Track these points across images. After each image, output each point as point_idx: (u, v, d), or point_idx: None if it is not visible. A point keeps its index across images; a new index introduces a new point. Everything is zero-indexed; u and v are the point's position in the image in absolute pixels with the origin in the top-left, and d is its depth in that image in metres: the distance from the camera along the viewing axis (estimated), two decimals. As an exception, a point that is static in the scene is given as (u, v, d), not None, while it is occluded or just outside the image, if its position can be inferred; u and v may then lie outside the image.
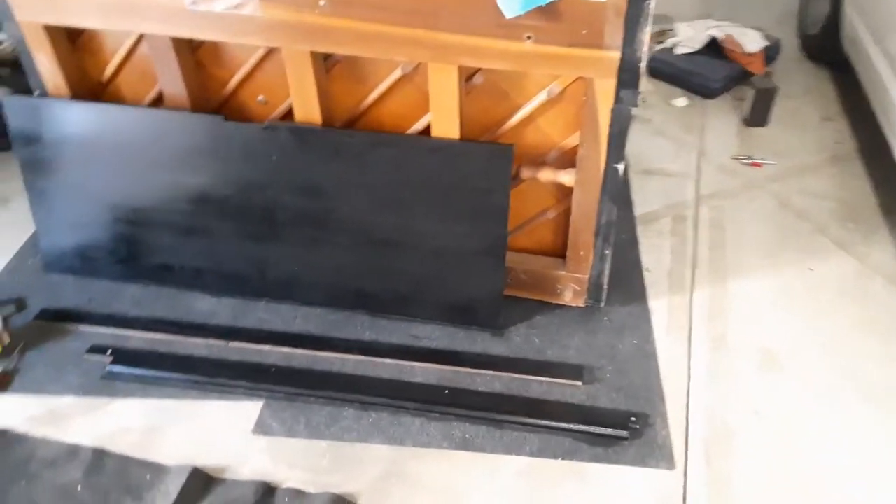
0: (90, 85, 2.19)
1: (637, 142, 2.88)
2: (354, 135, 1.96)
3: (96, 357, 2.05)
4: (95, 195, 2.20)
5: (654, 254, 2.37)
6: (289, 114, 2.04)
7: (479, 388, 1.95)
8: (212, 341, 2.10)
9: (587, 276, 2.07)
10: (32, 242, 2.47)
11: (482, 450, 1.80)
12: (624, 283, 2.23)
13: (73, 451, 1.82)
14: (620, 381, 1.95)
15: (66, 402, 1.95)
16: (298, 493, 1.72)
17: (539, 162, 1.96)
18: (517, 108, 1.89)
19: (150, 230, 2.20)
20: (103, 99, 2.20)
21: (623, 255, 2.32)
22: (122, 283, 2.29)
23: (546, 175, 1.93)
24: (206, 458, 1.80)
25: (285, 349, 2.07)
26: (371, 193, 1.99)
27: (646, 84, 3.20)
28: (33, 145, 2.17)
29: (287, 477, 1.76)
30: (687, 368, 1.99)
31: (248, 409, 1.92)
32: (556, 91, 1.81)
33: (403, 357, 2.03)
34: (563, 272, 2.09)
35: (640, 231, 2.46)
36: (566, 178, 1.92)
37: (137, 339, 2.11)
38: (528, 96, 1.87)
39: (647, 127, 3.00)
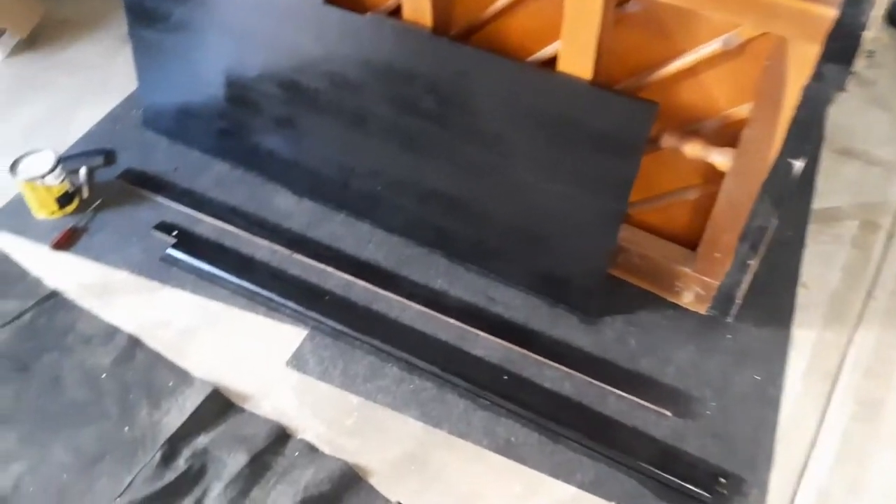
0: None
1: (843, 109, 2.23)
2: (462, 50, 1.57)
3: (161, 235, 1.93)
4: (196, 58, 2.00)
5: (821, 265, 1.84)
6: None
7: (545, 385, 1.62)
8: (277, 247, 1.90)
9: (718, 283, 1.62)
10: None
11: (524, 461, 1.50)
12: (768, 294, 1.75)
13: (110, 333, 1.73)
14: (722, 425, 1.55)
15: (120, 277, 1.85)
16: (311, 450, 1.53)
17: (690, 130, 1.49)
18: (678, 53, 1.42)
19: (246, 108, 1.99)
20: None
21: (778, 257, 1.82)
22: (211, 158, 2.14)
23: (694, 149, 1.47)
24: (232, 379, 1.65)
25: (348, 276, 1.83)
26: (472, 123, 1.63)
27: (879, 33, 2.48)
28: (137, -10, 1.98)
29: (306, 427, 1.57)
30: (815, 433, 1.54)
31: (289, 336, 1.73)
32: (734, 42, 1.32)
33: (470, 321, 1.72)
34: (688, 269, 1.66)
35: (812, 230, 1.92)
36: (719, 158, 1.44)
37: (207, 224, 1.96)
38: (695, 41, 1.38)
39: (864, 91, 2.32)
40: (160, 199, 2.03)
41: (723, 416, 1.56)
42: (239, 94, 1.97)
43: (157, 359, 1.69)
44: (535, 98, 1.52)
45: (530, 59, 1.58)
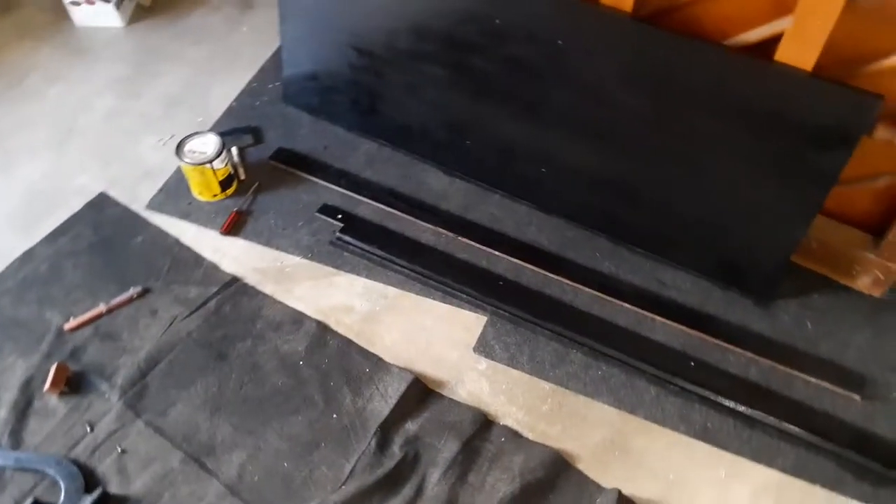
0: None
1: None
2: (666, 37, 1.42)
3: (326, 219, 1.85)
4: (341, 28, 1.86)
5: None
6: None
7: (731, 370, 1.58)
8: (441, 230, 1.82)
9: (902, 269, 1.55)
10: (274, 61, 2.22)
11: (725, 447, 1.48)
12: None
13: (297, 319, 1.68)
14: (909, 407, 1.52)
15: (294, 262, 1.79)
16: (516, 436, 1.50)
17: (903, 122, 1.38)
18: (907, 45, 1.30)
19: (394, 84, 1.87)
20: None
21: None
22: (356, 137, 2.03)
23: (910, 144, 1.37)
24: (424, 365, 1.61)
25: (515, 260, 1.76)
26: (666, 114, 1.52)
27: None
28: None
29: (505, 413, 1.54)
30: None
31: (470, 322, 1.68)
32: None
33: (645, 305, 1.67)
34: (870, 254, 1.58)
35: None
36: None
37: (367, 206, 1.88)
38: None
39: None
40: (317, 181, 1.94)
41: (909, 399, 1.52)
42: (390, 69, 1.84)
43: (348, 345, 1.64)
44: (742, 89, 1.41)
45: (729, 42, 1.45)
